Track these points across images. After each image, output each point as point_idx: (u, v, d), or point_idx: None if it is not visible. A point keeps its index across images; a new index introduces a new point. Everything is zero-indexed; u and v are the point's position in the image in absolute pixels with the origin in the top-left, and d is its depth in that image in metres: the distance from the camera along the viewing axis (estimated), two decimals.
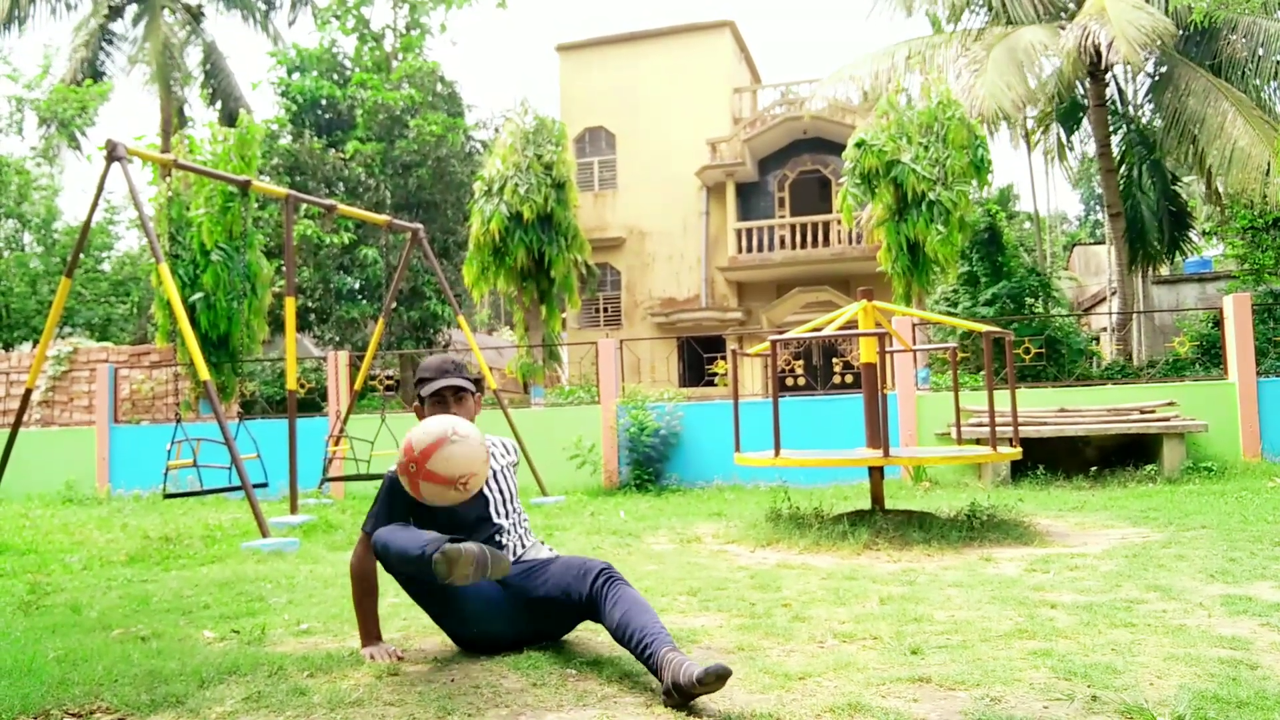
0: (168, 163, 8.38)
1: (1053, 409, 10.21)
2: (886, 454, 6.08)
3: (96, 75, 23.47)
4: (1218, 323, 12.37)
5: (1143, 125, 17.77)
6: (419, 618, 3.92)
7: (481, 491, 3.43)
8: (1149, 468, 9.50)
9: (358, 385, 11.16)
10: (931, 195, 12.55)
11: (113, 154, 7.60)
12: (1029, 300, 16.05)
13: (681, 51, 24.93)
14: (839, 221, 21.68)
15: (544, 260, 16.15)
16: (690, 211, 24.56)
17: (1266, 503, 7.12)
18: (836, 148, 20.26)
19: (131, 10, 23.92)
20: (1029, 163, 34.10)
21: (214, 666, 3.13)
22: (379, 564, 3.30)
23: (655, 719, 2.52)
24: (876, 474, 6.57)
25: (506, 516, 3.46)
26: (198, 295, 13.09)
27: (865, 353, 6.82)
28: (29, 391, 8.18)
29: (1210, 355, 12.96)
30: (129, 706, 2.76)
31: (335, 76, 23.41)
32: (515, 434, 10.11)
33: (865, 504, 6.81)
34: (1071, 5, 16.31)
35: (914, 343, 10.99)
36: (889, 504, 6.83)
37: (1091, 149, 17.75)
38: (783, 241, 23.16)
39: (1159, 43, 13.74)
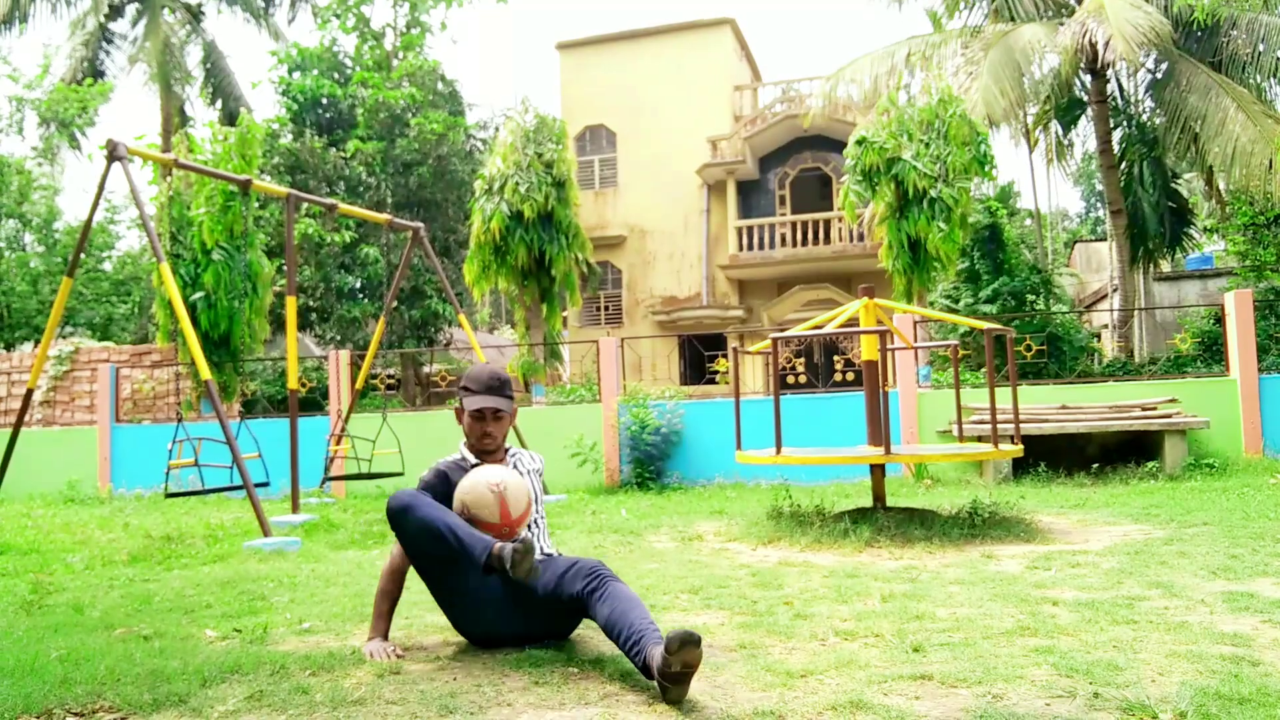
0: (168, 162, 8.39)
1: (1054, 406, 10.21)
2: (888, 451, 6.08)
3: (96, 75, 23.47)
4: (1219, 319, 12.37)
5: (1143, 122, 17.75)
6: (421, 616, 3.92)
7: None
8: (1150, 465, 9.49)
9: (359, 384, 11.17)
10: (932, 192, 12.54)
11: (114, 153, 7.60)
12: (1030, 297, 16.05)
13: (682, 49, 24.91)
14: (840, 219, 21.71)
15: (545, 259, 16.14)
16: (691, 209, 24.56)
17: (1268, 499, 7.12)
18: (837, 145, 20.26)
19: (131, 9, 23.93)
20: (1029, 160, 34.10)
21: (216, 665, 3.13)
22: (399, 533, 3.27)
23: (657, 717, 2.52)
24: (878, 471, 6.57)
25: (534, 522, 3.59)
26: (199, 294, 13.10)
27: (866, 350, 6.81)
28: (30, 391, 8.19)
29: (1212, 352, 12.96)
30: (131, 705, 2.76)
31: (336, 75, 23.41)
32: (516, 432, 10.11)
33: (867, 502, 6.81)
34: (1072, 2, 16.30)
35: (915, 340, 10.99)
36: (890, 501, 6.83)
37: (1092, 146, 17.74)
38: (784, 239, 23.15)
39: (1157, 41, 13.71)
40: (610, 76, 25.16)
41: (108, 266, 22.86)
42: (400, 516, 3.22)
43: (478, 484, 3.33)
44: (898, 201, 12.96)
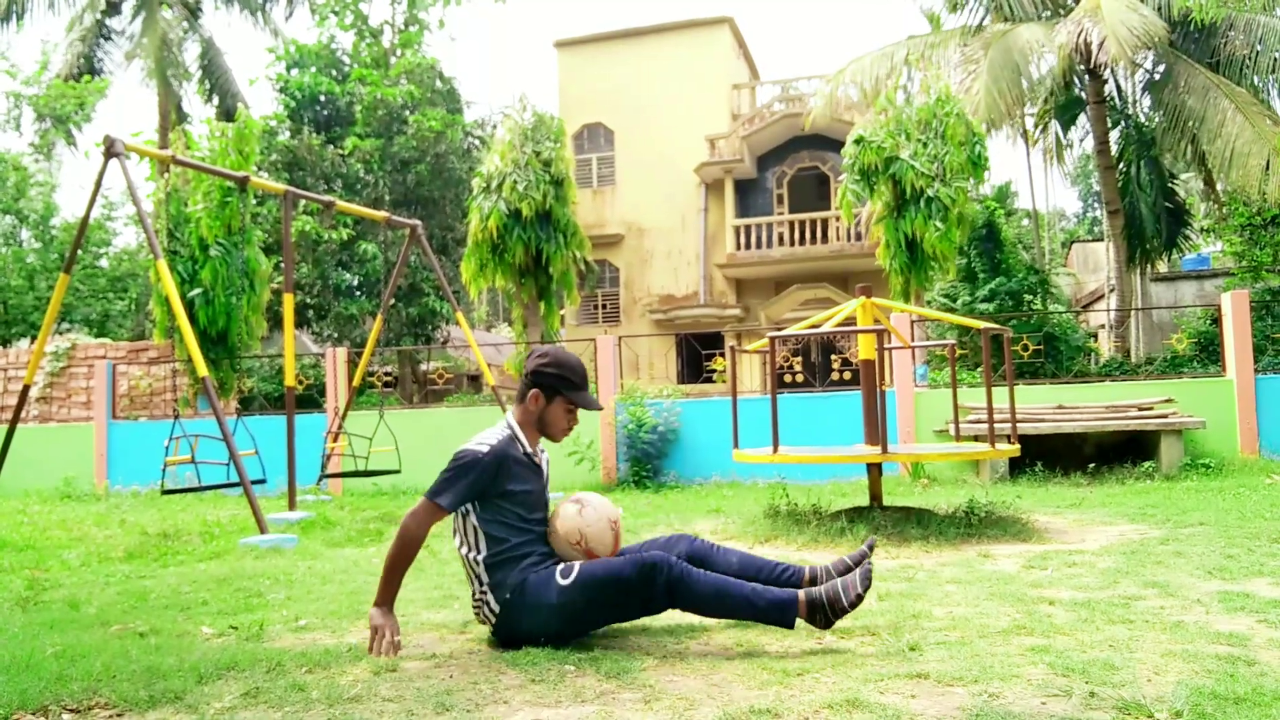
0: (166, 159, 8.37)
1: (1051, 406, 10.22)
2: (885, 451, 6.09)
3: (93, 71, 23.43)
4: (1216, 320, 12.39)
5: (1141, 122, 17.78)
6: (416, 614, 3.92)
7: (544, 475, 3.55)
8: (1147, 465, 9.50)
9: (356, 382, 11.15)
10: (930, 191, 12.55)
11: (111, 150, 7.59)
12: (1027, 297, 16.07)
13: (680, 48, 24.91)
14: (838, 218, 21.70)
15: (542, 257, 16.14)
16: (689, 208, 24.56)
17: (1264, 499, 7.13)
18: (835, 144, 20.26)
19: (129, 6, 23.88)
20: (1027, 160, 34.12)
21: (212, 662, 3.12)
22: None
23: (653, 714, 2.52)
24: (875, 471, 6.57)
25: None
26: (196, 291, 13.07)
27: (864, 349, 6.82)
28: (27, 387, 8.18)
29: (1208, 352, 12.98)
30: (127, 702, 2.76)
31: (334, 72, 23.40)
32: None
33: (864, 501, 6.81)
34: (1070, 2, 16.31)
35: (912, 339, 10.99)
36: (887, 501, 6.84)
37: (1090, 146, 17.76)
38: (781, 238, 23.16)
39: (1151, 43, 13.72)
40: (608, 75, 25.15)
41: (104, 263, 22.83)
42: (687, 581, 3.20)
43: (600, 519, 3.36)
44: (895, 201, 12.97)
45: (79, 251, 8.56)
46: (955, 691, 2.64)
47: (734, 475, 10.77)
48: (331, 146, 21.45)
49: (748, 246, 23.37)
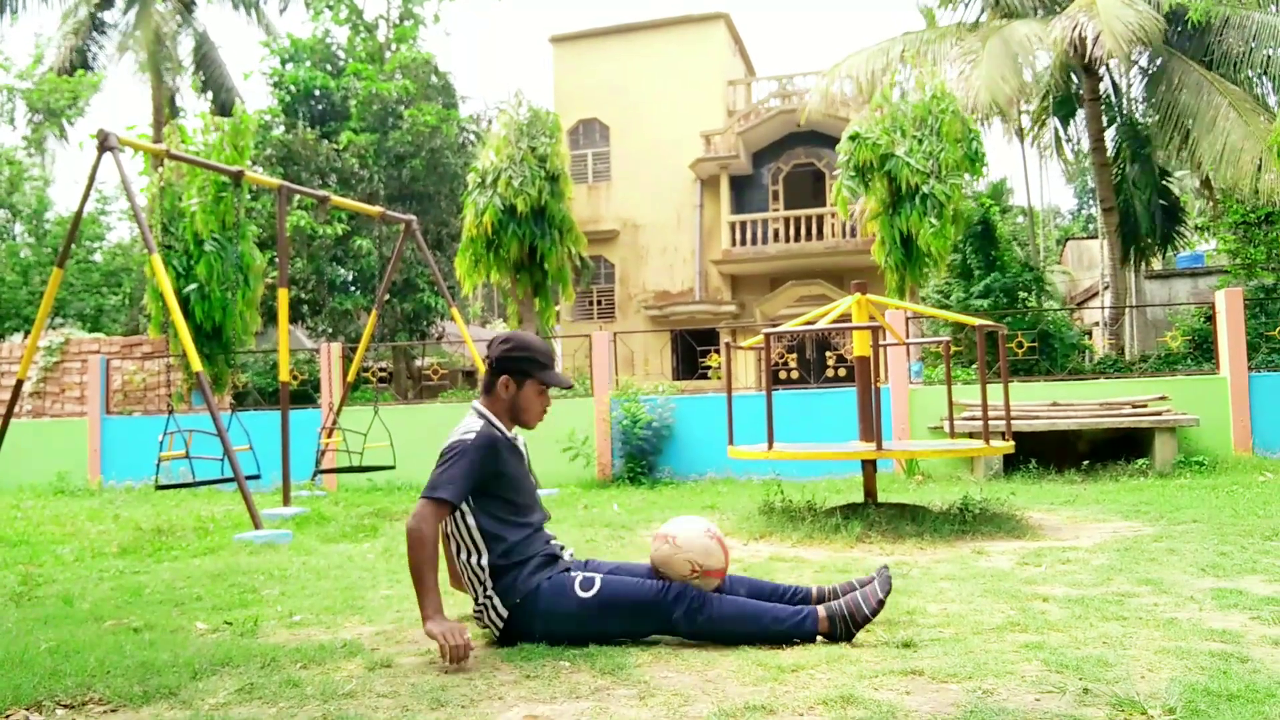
0: (160, 153, 8.35)
1: (1045, 403, 10.24)
2: (879, 447, 6.09)
3: (87, 65, 23.35)
4: (1210, 317, 12.40)
5: (1136, 120, 17.81)
6: (411, 610, 3.91)
7: (525, 458, 3.53)
8: (1140, 462, 9.53)
9: (351, 377, 11.14)
10: (925, 188, 12.55)
11: (105, 144, 7.56)
12: (1022, 294, 16.08)
13: (676, 43, 24.88)
14: (833, 215, 21.72)
15: (537, 253, 16.13)
16: (684, 204, 24.55)
17: (1257, 497, 7.15)
18: (831, 141, 20.26)
19: None
20: (1023, 157, 34.06)
21: (206, 658, 3.12)
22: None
23: (647, 710, 2.52)
24: (869, 467, 6.58)
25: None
26: (192, 286, 13.03)
27: (859, 346, 6.82)
28: (20, 382, 8.16)
29: (1202, 350, 13.00)
30: (121, 698, 2.75)
31: (329, 67, 23.34)
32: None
33: (858, 497, 6.82)
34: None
35: (907, 336, 11.00)
36: (882, 497, 6.85)
37: (1086, 143, 17.78)
38: (776, 235, 23.16)
39: (1146, 38, 13.73)
40: (604, 70, 25.12)
41: (98, 257, 22.78)
42: (708, 605, 3.18)
43: (694, 538, 3.29)
44: (890, 197, 12.97)
45: (73, 246, 8.53)
46: (949, 688, 2.65)
47: (729, 472, 10.77)
48: (326, 141, 21.40)
49: (743, 243, 23.37)
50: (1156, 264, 20.23)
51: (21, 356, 9.21)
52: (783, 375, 12.61)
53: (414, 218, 10.97)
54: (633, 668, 2.92)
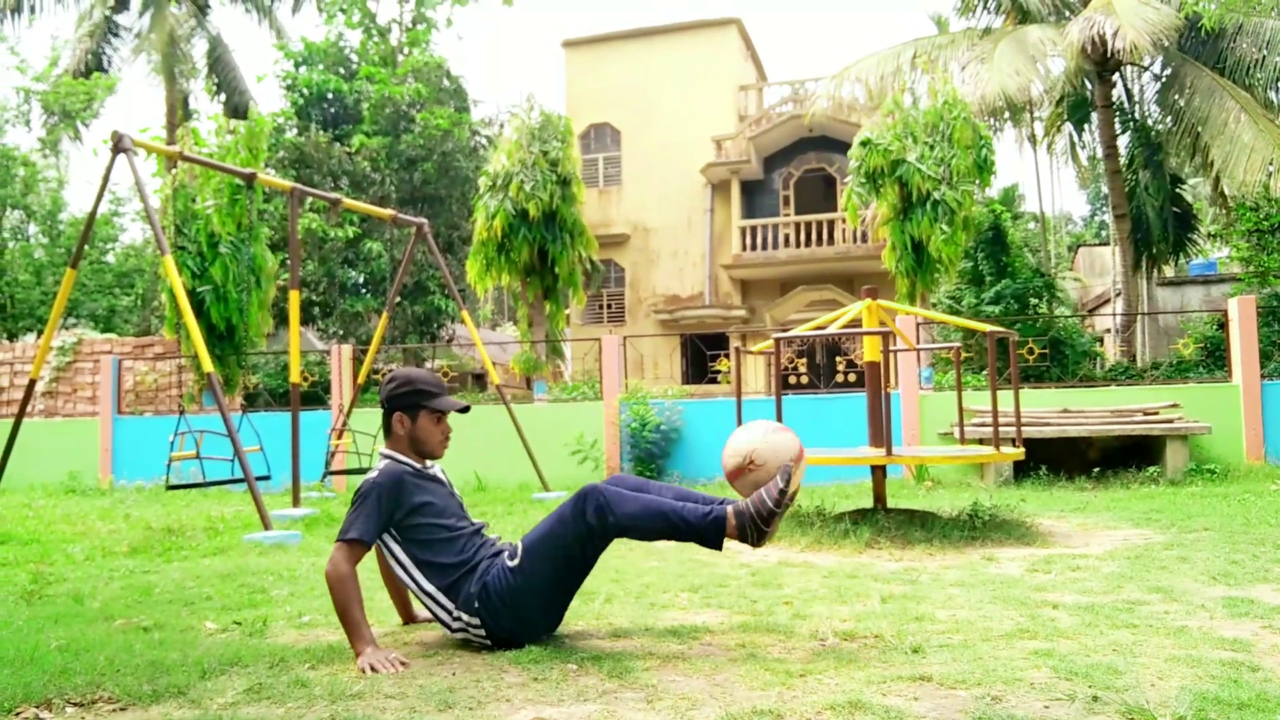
0: (173, 155, 8.39)
1: (1056, 410, 10.20)
2: (889, 453, 6.08)
3: (101, 67, 23.49)
4: (1222, 325, 12.35)
5: (1149, 126, 17.75)
6: (419, 610, 3.91)
7: (454, 492, 3.57)
8: (1152, 469, 9.49)
9: (361, 379, 11.17)
10: (936, 195, 12.54)
11: (118, 145, 7.60)
12: (1033, 300, 16.04)
13: (688, 48, 24.90)
14: (844, 220, 21.68)
15: (548, 257, 16.14)
16: (695, 208, 24.55)
17: (1269, 505, 7.11)
18: (842, 146, 20.24)
19: (137, 1, 23.94)
20: (1035, 163, 34.04)
21: (216, 658, 3.13)
22: (609, 522, 3.17)
23: (655, 714, 2.52)
24: (879, 473, 6.56)
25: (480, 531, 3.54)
26: (207, 287, 13.08)
27: (869, 351, 6.81)
28: (33, 382, 8.20)
29: (1214, 357, 12.94)
30: (131, 696, 2.76)
31: (341, 70, 23.43)
32: (518, 429, 10.11)
33: (867, 503, 6.81)
34: (1079, 4, 16.29)
35: (918, 342, 10.98)
36: (891, 503, 6.83)
37: (1099, 149, 17.74)
38: (787, 240, 23.14)
39: (1165, 37, 13.67)
40: (616, 75, 25.15)
41: (111, 258, 22.89)
42: (619, 500, 3.17)
43: (775, 450, 3.26)
44: (901, 203, 12.96)
45: (86, 247, 8.58)
46: (958, 694, 2.64)
47: None
48: (338, 144, 21.48)
49: (753, 247, 23.36)
50: (1169, 271, 20.13)
51: (35, 356, 9.25)
52: (792, 380, 12.60)
53: (425, 221, 10.99)
54: (640, 671, 2.92)
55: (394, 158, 21.29)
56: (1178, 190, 17.91)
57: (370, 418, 11.18)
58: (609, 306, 25.12)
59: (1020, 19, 16.50)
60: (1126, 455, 10.09)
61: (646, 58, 25.06)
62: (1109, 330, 19.35)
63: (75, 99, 21.81)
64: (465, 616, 3.26)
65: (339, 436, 10.39)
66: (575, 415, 11.70)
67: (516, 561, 3.25)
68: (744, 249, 23.38)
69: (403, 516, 3.30)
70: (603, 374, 11.80)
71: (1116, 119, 16.89)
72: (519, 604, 3.22)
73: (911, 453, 6.93)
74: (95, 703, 2.74)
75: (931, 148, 12.81)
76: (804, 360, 13.00)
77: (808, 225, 23.00)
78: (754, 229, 23.42)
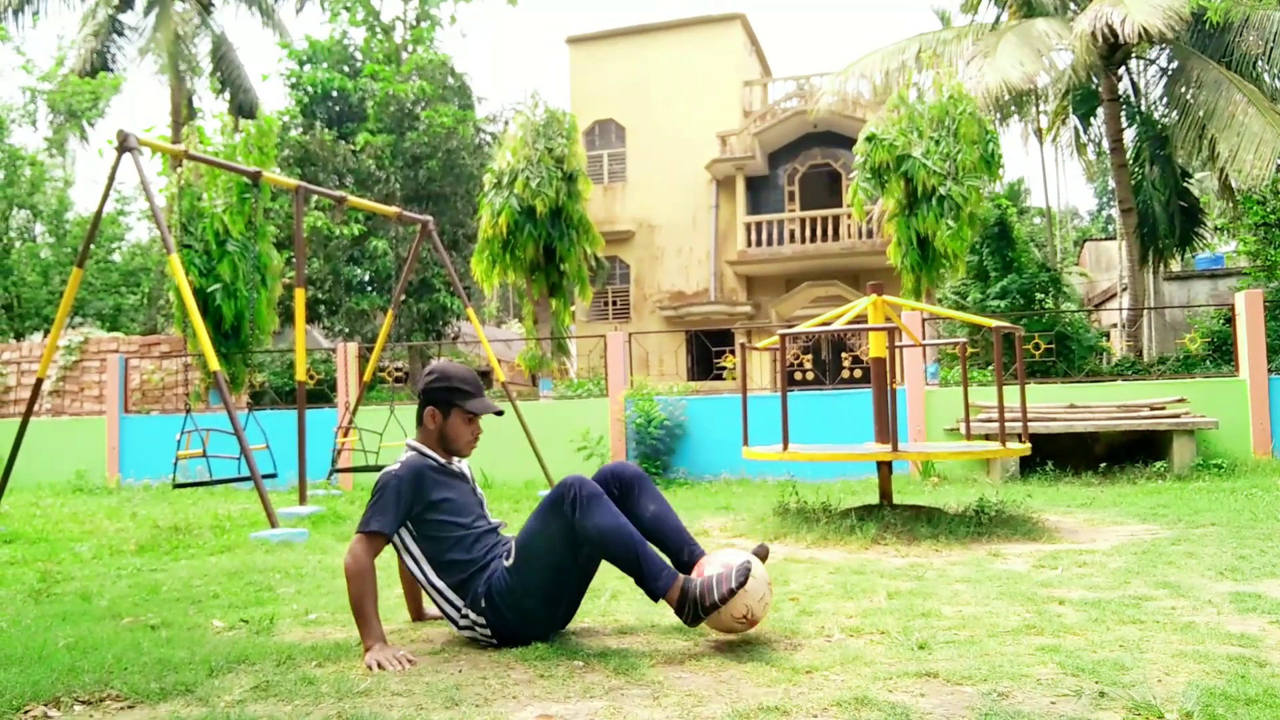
0: (179, 154, 8.40)
1: (1062, 405, 10.18)
2: (895, 449, 6.07)
3: (107, 67, 23.53)
4: (1229, 319, 12.32)
5: (1155, 120, 17.69)
6: (428, 608, 3.91)
7: (476, 490, 3.57)
8: (1159, 465, 9.47)
9: (367, 377, 11.18)
10: (942, 190, 12.51)
11: (124, 144, 7.61)
12: (1039, 296, 16.00)
13: (692, 44, 24.87)
14: (849, 216, 21.64)
15: (554, 253, 16.14)
16: (700, 205, 24.53)
17: (1277, 500, 7.09)
18: (847, 142, 20.22)
19: (141, 1, 23.97)
20: (1041, 157, 33.87)
21: (223, 655, 3.14)
22: (598, 532, 3.11)
23: (661, 710, 2.52)
24: (885, 469, 6.56)
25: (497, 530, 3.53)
26: (216, 286, 13.09)
27: (874, 347, 6.80)
28: (40, 381, 8.22)
29: (1221, 352, 12.90)
30: (138, 694, 2.77)
31: (346, 68, 23.43)
32: (523, 426, 10.12)
33: (873, 499, 6.80)
34: None
35: (923, 338, 10.96)
36: (897, 499, 6.82)
37: (1105, 142, 17.70)
38: (792, 235, 23.11)
39: (1173, 24, 13.60)
40: (620, 71, 25.13)
41: (117, 257, 22.92)
42: (596, 506, 3.11)
43: (759, 582, 3.16)
44: (907, 199, 12.93)
45: (92, 246, 8.60)
46: (964, 690, 2.64)
47: (743, 473, 10.76)
48: (343, 142, 21.49)
49: (759, 243, 23.34)
50: (1175, 265, 20.08)
51: (42, 355, 9.28)
52: (798, 376, 12.59)
53: (430, 218, 10.99)
54: (646, 668, 2.92)
55: (399, 155, 21.29)
56: (1184, 184, 17.85)
57: (376, 416, 11.19)
58: (614, 303, 25.11)
59: (1026, 12, 16.45)
60: (1133, 451, 10.07)
61: (651, 54, 25.04)
62: (1115, 325, 19.32)
63: (81, 98, 21.84)
64: (473, 615, 3.27)
65: (345, 434, 10.41)
66: (581, 412, 11.71)
67: (511, 561, 3.25)
68: (749, 245, 23.36)
69: (420, 511, 3.31)
70: (608, 371, 11.80)
71: (1123, 112, 16.84)
72: (520, 604, 3.22)
73: (917, 448, 6.92)
74: (103, 701, 2.75)
75: (937, 143, 12.78)
76: (809, 356, 12.99)
77: (813, 221, 22.96)
78: (759, 225, 23.40)
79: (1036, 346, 12.08)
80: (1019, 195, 31.18)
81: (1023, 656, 2.96)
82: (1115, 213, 18.23)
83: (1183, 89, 15.33)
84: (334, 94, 22.81)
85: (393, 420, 10.30)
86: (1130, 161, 16.99)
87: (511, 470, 10.99)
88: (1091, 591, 3.99)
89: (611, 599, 4.03)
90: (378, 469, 9.71)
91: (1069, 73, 16.17)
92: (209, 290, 12.97)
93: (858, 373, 12.14)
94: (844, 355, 12.65)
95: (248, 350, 13.92)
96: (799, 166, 24.12)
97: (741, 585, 3.06)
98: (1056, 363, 13.28)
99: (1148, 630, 3.27)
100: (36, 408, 11.93)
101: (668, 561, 3.28)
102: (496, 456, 10.63)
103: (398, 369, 18.39)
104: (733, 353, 12.60)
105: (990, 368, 12.60)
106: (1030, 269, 16.16)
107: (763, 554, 3.40)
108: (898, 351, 10.10)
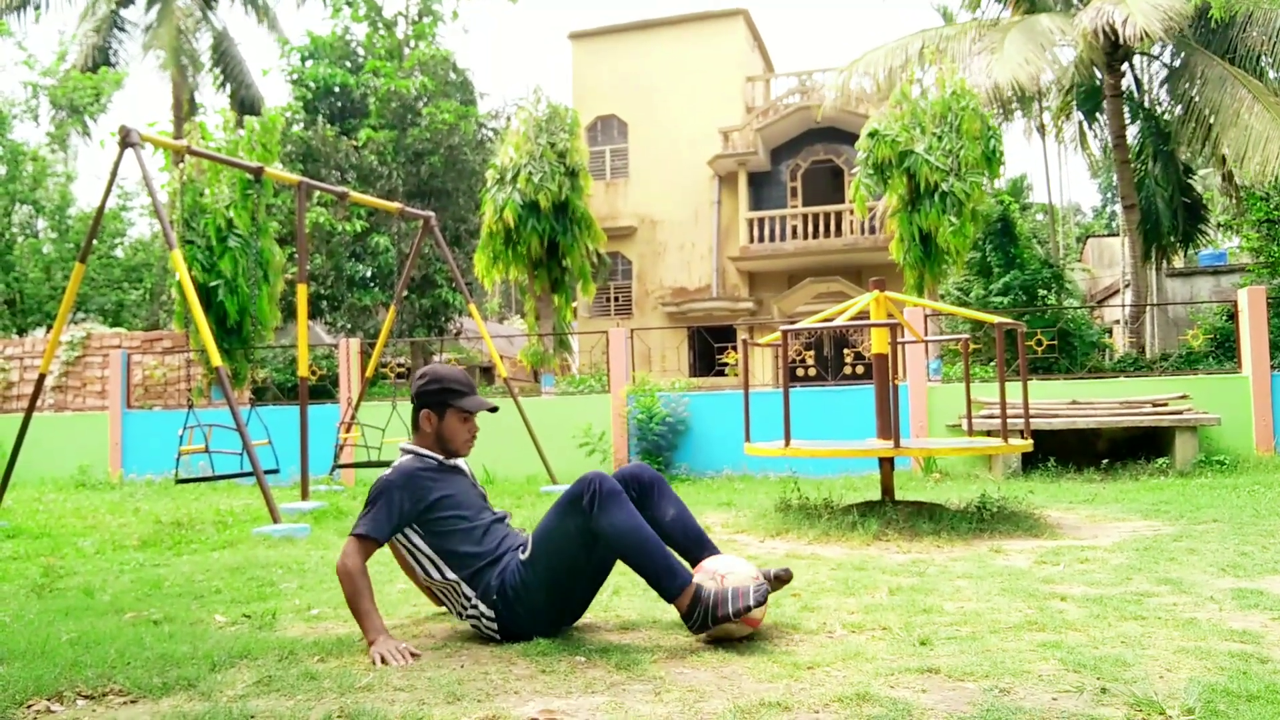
0: (181, 149, 8.40)
1: (1064, 401, 10.18)
2: (897, 445, 6.07)
3: (109, 62, 23.54)
4: (1232, 316, 12.31)
5: (1159, 116, 17.66)
6: (426, 604, 3.92)
7: (476, 485, 3.59)
8: (1161, 461, 9.46)
9: (369, 372, 11.19)
10: (944, 186, 12.49)
11: (126, 140, 7.62)
12: (1042, 292, 16.00)
13: (694, 40, 24.85)
14: (851, 212, 21.65)
15: (557, 248, 16.14)
16: (702, 201, 24.51)
17: (1279, 497, 7.09)
18: (849, 137, 20.19)
19: None
20: (1044, 153, 33.87)
21: (225, 650, 3.14)
22: (612, 529, 3.11)
23: (663, 706, 2.53)
24: (887, 465, 6.56)
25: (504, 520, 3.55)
26: (218, 281, 13.09)
27: (877, 343, 6.80)
28: (43, 376, 8.23)
29: (1224, 348, 12.90)
30: (141, 689, 2.78)
31: (348, 64, 23.41)
32: (525, 422, 10.12)
33: (875, 495, 6.80)
34: None
35: (925, 334, 10.96)
36: (899, 495, 6.82)
37: (1109, 139, 17.68)
38: (795, 231, 23.10)
39: (1175, 24, 13.58)
40: (622, 67, 25.12)
41: (119, 253, 22.92)
42: (614, 504, 3.11)
43: (742, 579, 3.17)
44: (909, 195, 12.91)
45: (94, 241, 8.60)
46: (966, 686, 2.64)
47: (745, 468, 10.76)
48: (346, 138, 21.48)
49: (761, 239, 23.33)
50: (1178, 262, 20.06)
51: (44, 351, 9.29)
52: (800, 372, 12.58)
53: (433, 214, 10.99)
54: (648, 663, 2.92)
55: (401, 151, 21.28)
56: (1188, 180, 17.83)
57: (378, 411, 11.20)
58: (616, 299, 25.11)
59: (1028, 8, 16.43)
60: (1135, 447, 10.06)
61: (653, 49, 25.02)
62: (1118, 321, 19.31)
63: (83, 93, 21.83)
64: (482, 606, 3.27)
65: (347, 430, 10.42)
66: (582, 408, 11.71)
67: (527, 554, 3.26)
68: (751, 241, 23.35)
69: (424, 510, 3.32)
70: (610, 366, 11.80)
71: (1126, 108, 16.81)
72: (532, 599, 3.23)
73: (919, 444, 6.91)
74: (106, 695, 2.75)
75: (940, 139, 12.76)
76: (812, 352, 12.98)
77: (815, 217, 22.95)
78: (761, 221, 23.39)
79: (1039, 343, 12.07)
80: (1021, 191, 31.15)
81: (1024, 652, 2.96)
82: (1118, 209, 18.17)
83: (1186, 85, 15.30)
84: (336, 90, 22.80)
85: (395, 416, 10.30)
86: (1133, 158, 16.96)
87: (513, 466, 10.99)
88: (1093, 588, 3.98)
89: (614, 594, 4.03)
90: (380, 465, 9.72)
91: (1072, 69, 16.15)
92: (211, 286, 12.97)
93: (860, 369, 12.14)
94: (846, 351, 12.65)
95: (250, 346, 13.92)
96: (801, 162, 24.11)
97: (760, 604, 3.08)
98: (1059, 359, 13.27)
99: (1149, 626, 3.27)
100: (39, 403, 11.95)
101: (685, 565, 3.28)
102: (499, 452, 10.64)
103: (400, 365, 18.40)
104: (735, 349, 12.59)
105: (992, 364, 12.60)
106: (1033, 265, 16.15)
107: (786, 578, 3.43)
108: (900, 347, 10.08)
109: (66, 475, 12.27)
